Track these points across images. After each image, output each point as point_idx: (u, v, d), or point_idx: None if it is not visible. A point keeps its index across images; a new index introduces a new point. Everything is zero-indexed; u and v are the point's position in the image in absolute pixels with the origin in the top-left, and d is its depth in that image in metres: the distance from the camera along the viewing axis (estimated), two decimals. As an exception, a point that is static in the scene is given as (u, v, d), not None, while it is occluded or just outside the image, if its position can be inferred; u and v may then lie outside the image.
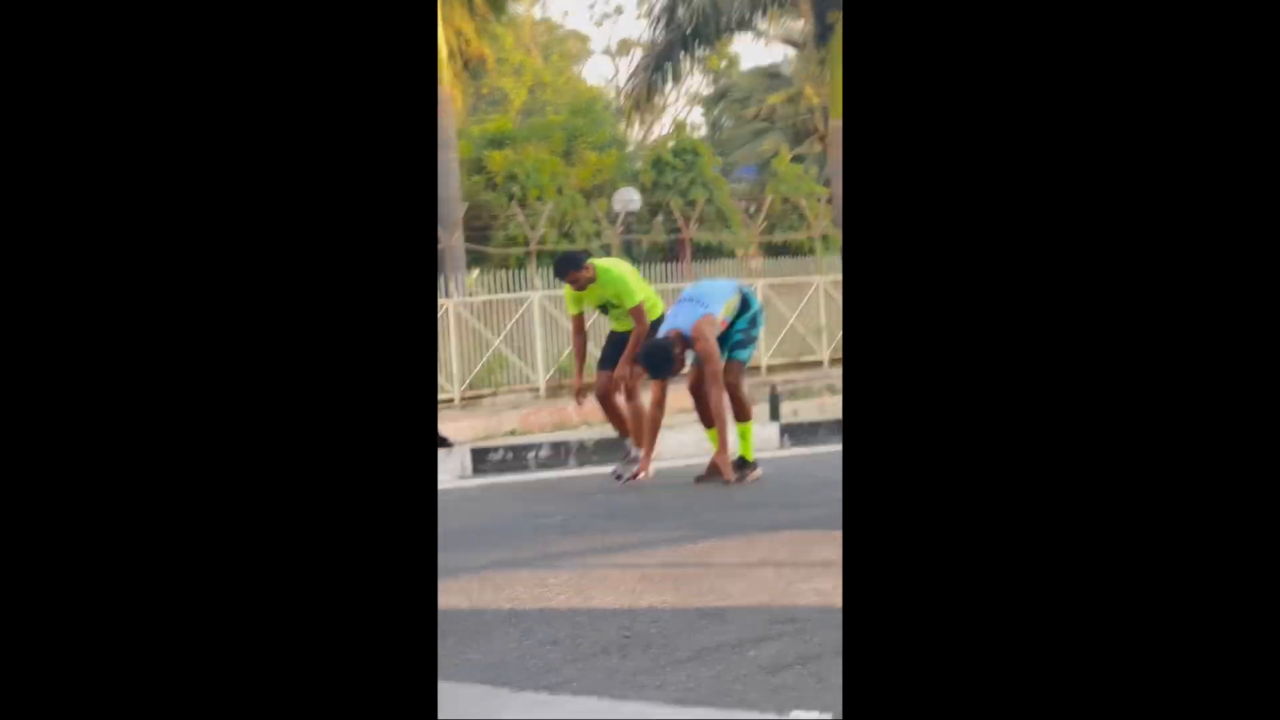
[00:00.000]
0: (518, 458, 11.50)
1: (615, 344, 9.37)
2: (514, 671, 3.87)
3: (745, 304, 8.86)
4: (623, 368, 9.17)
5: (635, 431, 9.32)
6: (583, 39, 45.31)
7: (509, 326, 16.70)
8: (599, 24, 63.59)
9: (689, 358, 8.67)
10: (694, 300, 8.79)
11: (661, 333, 8.79)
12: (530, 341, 16.86)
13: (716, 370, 8.51)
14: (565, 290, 9.43)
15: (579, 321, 9.47)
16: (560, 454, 11.31)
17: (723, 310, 8.63)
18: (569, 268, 9.21)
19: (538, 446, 11.70)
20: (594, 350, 9.99)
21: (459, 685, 3.72)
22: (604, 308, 9.41)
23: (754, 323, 8.88)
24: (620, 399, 9.24)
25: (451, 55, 19.84)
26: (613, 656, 3.96)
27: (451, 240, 17.61)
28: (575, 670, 3.83)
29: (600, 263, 9.38)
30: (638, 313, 9.13)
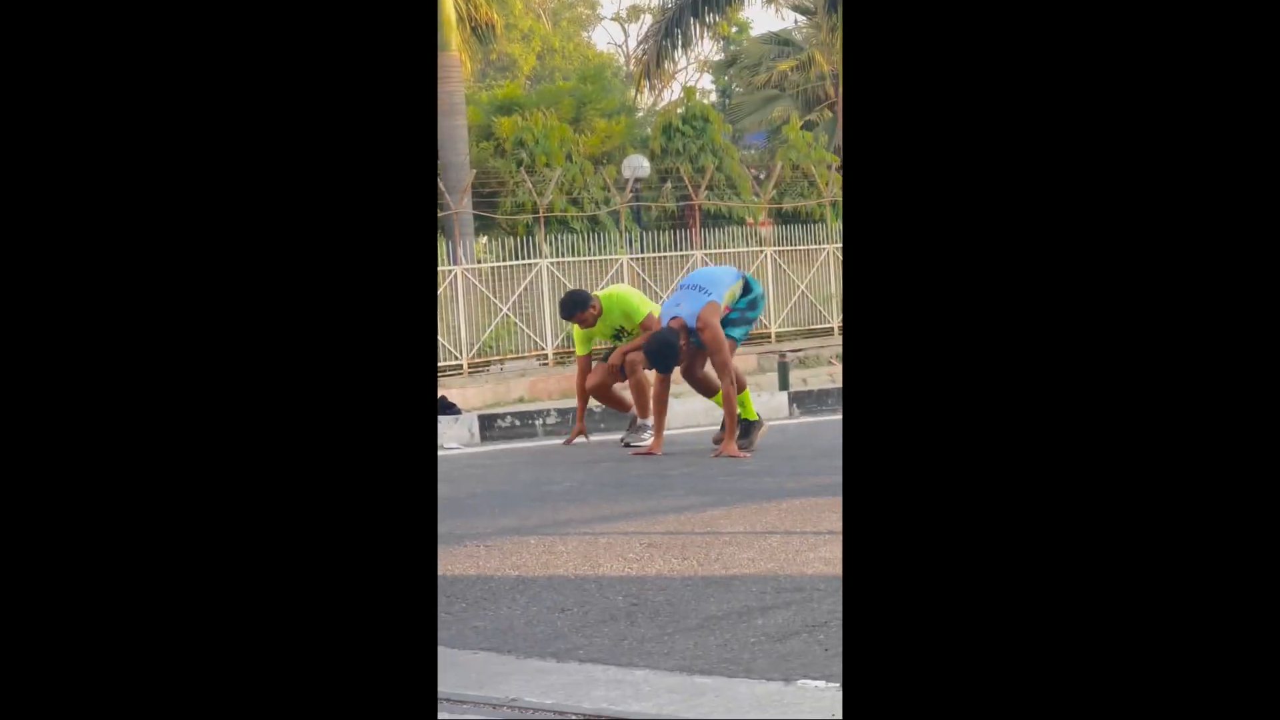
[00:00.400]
0: (525, 425, 11.51)
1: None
2: (521, 638, 3.88)
3: (747, 288, 8.90)
4: (617, 356, 9.25)
5: (640, 404, 9.39)
6: (592, 4, 45.16)
7: (517, 293, 16.69)
8: (609, -11, 63.33)
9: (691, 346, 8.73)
10: (697, 288, 8.81)
11: (664, 320, 8.81)
12: (539, 308, 16.85)
13: (726, 360, 8.52)
14: (574, 331, 9.56)
15: (586, 363, 9.58)
16: (568, 421, 11.31)
17: (725, 297, 8.67)
18: (576, 309, 9.37)
19: (545, 413, 11.71)
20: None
21: (466, 652, 3.74)
22: (617, 335, 9.55)
23: (753, 305, 8.92)
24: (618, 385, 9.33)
25: (460, 20, 19.78)
26: (620, 624, 3.97)
27: (459, 206, 17.59)
28: (582, 637, 3.84)
29: (603, 295, 9.56)
30: (649, 323, 9.27)
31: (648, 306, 9.46)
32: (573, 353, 9.46)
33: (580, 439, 9.68)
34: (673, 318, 8.71)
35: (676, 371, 8.94)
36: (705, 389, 9.05)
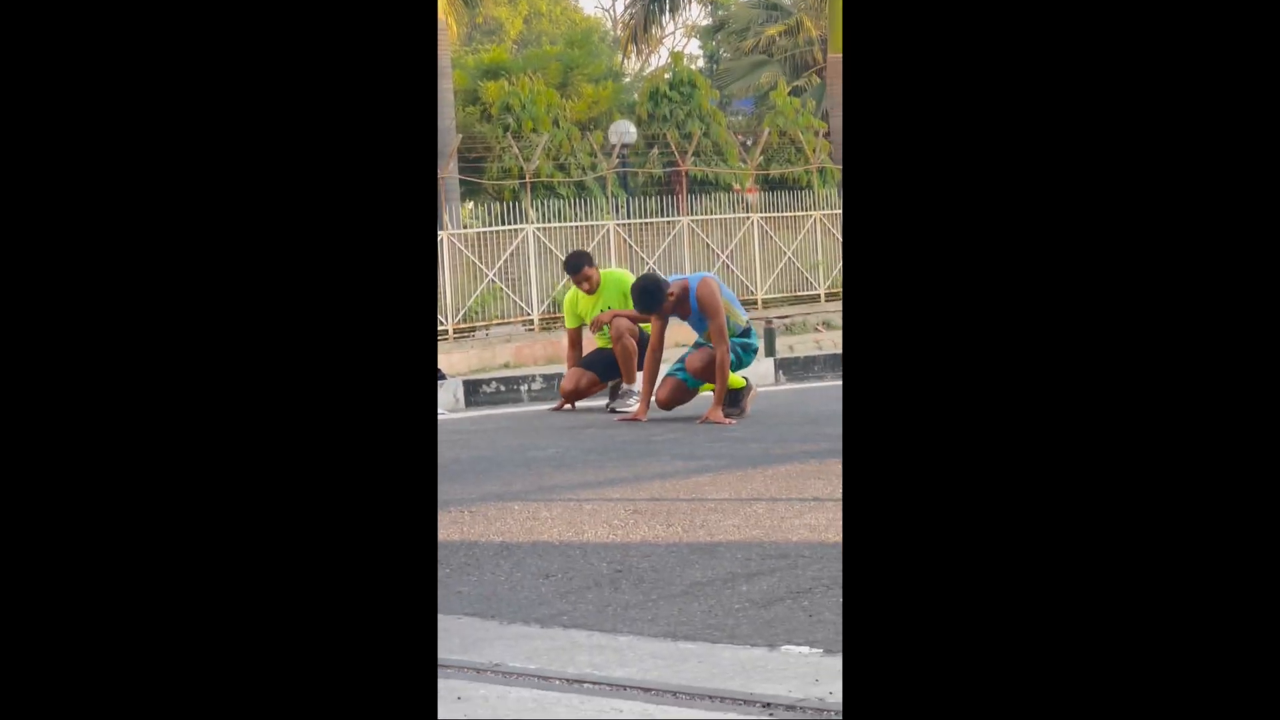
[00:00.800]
0: (510, 390, 11.51)
1: (600, 356, 9.53)
2: (505, 604, 3.88)
3: (746, 331, 8.87)
4: (607, 315, 9.34)
5: (626, 370, 9.42)
6: (579, -32, 44.95)
7: (503, 259, 16.66)
8: (596, -47, 63.02)
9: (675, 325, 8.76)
10: (693, 276, 8.85)
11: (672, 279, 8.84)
12: (524, 274, 16.82)
13: (721, 326, 8.51)
14: (566, 302, 9.61)
15: (575, 336, 9.67)
16: (554, 387, 11.30)
17: (726, 305, 8.66)
18: (582, 264, 9.49)
19: (530, 379, 11.71)
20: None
21: (450, 617, 3.74)
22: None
23: (747, 349, 8.88)
24: (626, 342, 9.35)
25: (446, -17, 19.68)
26: (604, 590, 3.98)
27: (445, 171, 17.53)
28: (566, 603, 3.84)
29: (604, 271, 9.72)
30: (617, 327, 9.33)
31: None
32: (559, 319, 9.51)
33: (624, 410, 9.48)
34: (676, 281, 8.72)
35: (668, 346, 8.97)
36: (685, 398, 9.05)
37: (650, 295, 8.62)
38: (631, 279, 9.43)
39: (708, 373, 8.67)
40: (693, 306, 8.65)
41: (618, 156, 20.18)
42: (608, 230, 17.53)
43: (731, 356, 8.63)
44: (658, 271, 9.34)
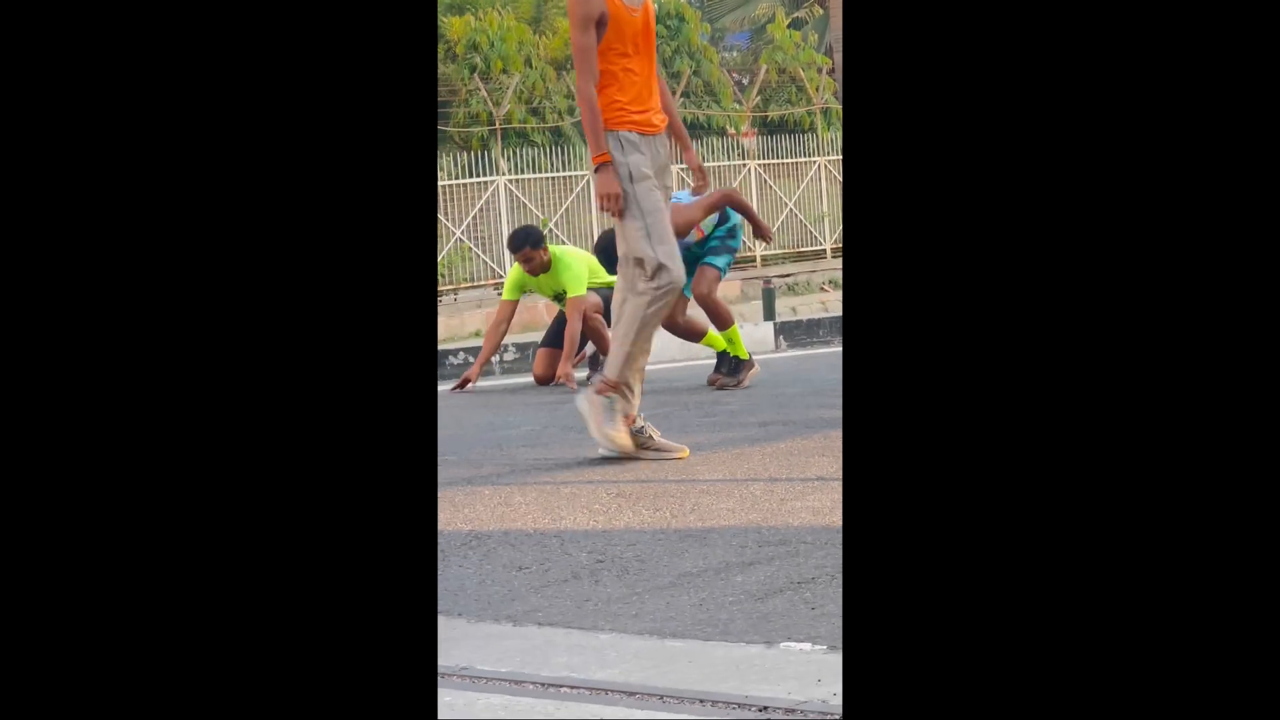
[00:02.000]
0: (481, 362, 11.51)
1: (560, 322, 9.78)
2: (473, 600, 3.89)
3: (724, 216, 8.95)
4: (564, 365, 9.57)
5: (602, 346, 9.54)
6: (553, -112, 44.80)
7: (471, 215, 16.65)
8: None
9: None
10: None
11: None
12: (495, 231, 16.82)
13: (694, 219, 8.65)
14: (511, 272, 9.80)
15: (506, 310, 9.90)
16: (528, 358, 11.31)
17: (700, 213, 8.74)
18: (525, 242, 9.69)
19: (503, 349, 11.71)
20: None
21: (412, 615, 3.75)
22: (559, 296, 9.87)
23: (733, 234, 8.99)
24: (581, 324, 9.52)
25: (403, -93, 19.60)
26: (584, 583, 3.99)
27: (405, 118, 17.53)
28: (542, 598, 3.86)
29: (556, 249, 9.90)
30: (577, 304, 9.54)
31: (602, 274, 9.71)
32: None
33: (469, 386, 9.89)
34: None
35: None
36: (690, 334, 9.12)
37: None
38: (586, 256, 9.76)
39: (689, 331, 8.92)
40: None
41: (598, 99, 20.18)
42: (587, 181, 17.53)
43: (726, 258, 8.89)
44: None
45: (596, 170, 5.92)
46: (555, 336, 9.86)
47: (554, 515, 4.97)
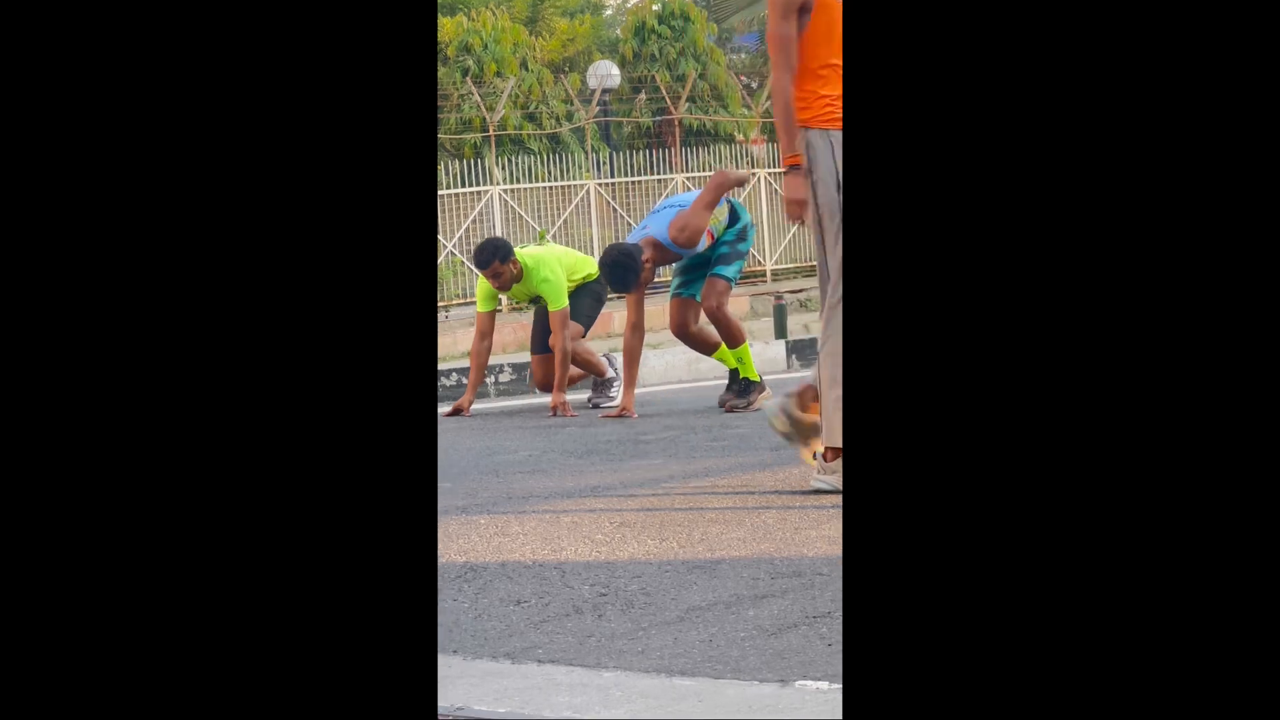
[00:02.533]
0: (475, 383, 11.51)
1: (543, 321, 9.57)
2: (468, 636, 3.88)
3: (734, 215, 8.91)
4: (558, 395, 9.32)
5: (595, 369, 9.54)
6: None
7: (464, 226, 16.67)
8: None
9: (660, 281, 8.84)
10: (673, 206, 8.86)
11: (634, 239, 8.86)
12: (490, 245, 16.84)
13: (701, 225, 8.58)
14: (479, 284, 9.55)
15: (486, 323, 9.60)
16: (524, 379, 11.31)
17: (705, 214, 8.69)
18: (493, 257, 9.27)
19: (498, 369, 11.72)
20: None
21: (404, 653, 3.74)
22: (534, 299, 9.66)
23: (743, 236, 8.94)
24: (569, 346, 9.29)
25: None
26: (586, 617, 3.98)
27: (395, 124, 17.57)
28: (542, 634, 3.85)
29: (527, 256, 9.47)
30: (559, 319, 9.29)
31: (584, 269, 9.57)
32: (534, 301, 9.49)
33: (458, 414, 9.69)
34: (641, 238, 8.77)
35: (651, 316, 9.03)
36: (703, 345, 9.08)
37: (626, 270, 8.63)
38: (557, 261, 9.44)
39: (702, 343, 8.89)
40: (674, 250, 8.71)
41: (598, 104, 20.19)
42: (587, 191, 17.55)
43: (736, 266, 8.84)
44: (624, 240, 9.29)
45: (786, 172, 5.56)
46: (542, 340, 9.66)
47: (554, 546, 4.96)
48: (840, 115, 5.48)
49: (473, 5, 22.86)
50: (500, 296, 9.74)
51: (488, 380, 11.55)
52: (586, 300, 9.61)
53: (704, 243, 8.68)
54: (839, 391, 5.34)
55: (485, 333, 9.58)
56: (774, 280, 18.63)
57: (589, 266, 9.63)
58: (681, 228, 8.54)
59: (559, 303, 9.29)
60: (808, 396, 5.77)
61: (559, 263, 9.48)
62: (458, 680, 3.51)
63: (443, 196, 16.71)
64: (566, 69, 22.87)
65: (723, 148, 20.30)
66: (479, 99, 18.63)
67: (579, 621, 3.95)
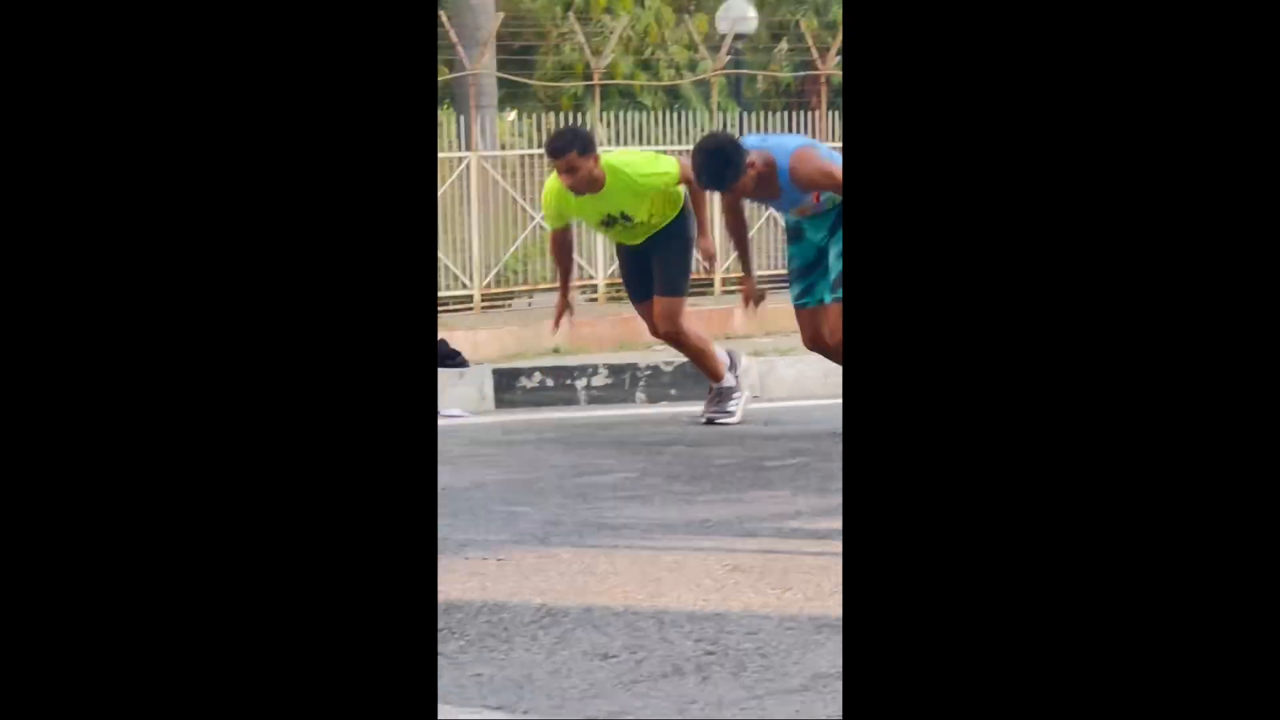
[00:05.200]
0: (561, 386, 11.53)
1: (636, 261, 9.07)
2: (544, 694, 3.90)
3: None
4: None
5: (709, 370, 9.19)
6: None
7: (557, 195, 16.72)
8: None
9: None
10: (810, 144, 8.77)
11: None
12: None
13: (835, 176, 8.14)
14: (546, 189, 9.26)
15: (562, 238, 9.41)
16: (623, 383, 11.33)
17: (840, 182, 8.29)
18: (570, 145, 8.90)
19: (591, 370, 11.73)
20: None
21: (465, 710, 3.75)
22: (608, 222, 9.23)
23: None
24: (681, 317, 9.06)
25: None
26: (689, 679, 3.99)
27: (478, 64, 17.57)
28: (633, 696, 3.86)
29: (614, 160, 9.15)
30: (698, 202, 9.14)
31: (668, 177, 9.04)
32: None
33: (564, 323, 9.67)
34: (756, 150, 8.29)
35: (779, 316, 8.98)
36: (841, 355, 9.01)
37: (725, 162, 8.08)
38: (651, 161, 9.16)
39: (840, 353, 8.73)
40: (783, 184, 8.25)
41: (729, 52, 20.19)
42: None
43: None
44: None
45: None
46: (641, 282, 9.31)
47: (651, 590, 4.96)
48: None
49: (580, -77, 22.96)
50: (572, 221, 9.33)
51: (575, 382, 11.56)
52: (675, 249, 9.30)
53: (810, 202, 8.28)
54: None
55: (563, 250, 9.46)
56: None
57: (669, 168, 9.16)
58: (811, 164, 8.19)
59: (646, 195, 9.04)
60: None
61: (648, 162, 9.18)
62: (528, 749, 3.53)
63: (533, 157, 16.70)
64: (692, 8, 22.92)
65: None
66: (583, 39, 18.69)
67: (679, 684, 3.96)
